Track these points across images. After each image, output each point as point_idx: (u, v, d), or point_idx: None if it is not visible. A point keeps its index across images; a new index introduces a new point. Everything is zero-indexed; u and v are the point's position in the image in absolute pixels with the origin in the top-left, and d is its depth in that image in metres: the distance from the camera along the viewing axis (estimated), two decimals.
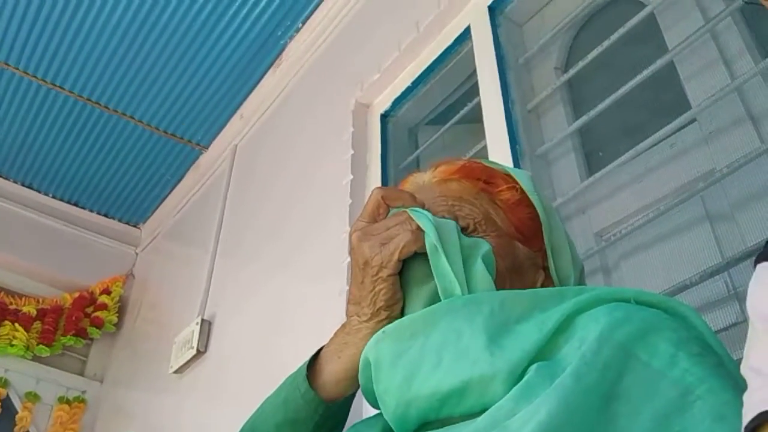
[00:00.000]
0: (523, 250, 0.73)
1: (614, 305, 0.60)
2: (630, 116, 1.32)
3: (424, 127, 1.97)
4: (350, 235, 0.71)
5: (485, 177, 0.76)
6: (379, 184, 1.79)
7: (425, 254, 0.68)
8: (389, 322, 0.68)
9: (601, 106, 1.27)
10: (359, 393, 0.73)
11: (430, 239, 0.67)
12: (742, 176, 1.03)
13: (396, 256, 0.67)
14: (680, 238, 1.10)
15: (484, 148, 1.49)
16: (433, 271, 0.67)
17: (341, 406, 0.75)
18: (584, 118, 1.31)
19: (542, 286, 0.73)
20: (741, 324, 0.94)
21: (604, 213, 1.26)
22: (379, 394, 0.66)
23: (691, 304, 0.98)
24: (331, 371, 0.73)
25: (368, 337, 0.69)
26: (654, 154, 1.19)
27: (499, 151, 1.43)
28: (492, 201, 0.75)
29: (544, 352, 0.59)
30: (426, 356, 0.62)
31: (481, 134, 1.52)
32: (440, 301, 0.66)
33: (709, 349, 0.57)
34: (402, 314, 0.69)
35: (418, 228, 0.68)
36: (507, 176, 0.78)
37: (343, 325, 0.73)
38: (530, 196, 0.75)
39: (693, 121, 1.15)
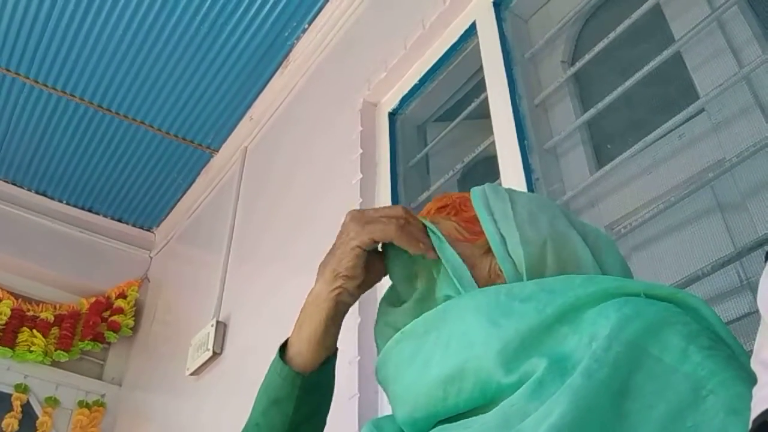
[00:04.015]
0: (467, 246, 0.76)
1: (624, 300, 0.60)
2: (638, 108, 1.32)
3: (432, 124, 1.97)
4: (346, 214, 0.77)
5: (439, 205, 0.84)
6: (388, 182, 1.80)
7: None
8: (340, 293, 0.75)
9: (608, 99, 1.27)
10: (376, 387, 0.75)
11: (431, 227, 0.75)
12: (753, 165, 1.03)
13: (371, 235, 0.73)
14: (691, 229, 1.10)
15: (492, 144, 1.49)
16: (440, 255, 0.73)
17: (319, 378, 0.78)
18: (592, 111, 1.31)
19: (499, 268, 0.75)
20: (753, 314, 0.94)
21: (614, 206, 1.25)
22: (396, 393, 0.69)
23: (703, 295, 0.98)
24: (296, 344, 0.77)
25: (323, 306, 0.75)
26: (663, 146, 1.19)
27: (507, 146, 1.43)
28: (446, 218, 0.80)
29: (543, 337, 0.60)
30: (438, 347, 0.66)
31: (489, 130, 1.52)
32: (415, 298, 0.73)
33: (720, 341, 0.57)
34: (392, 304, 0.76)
35: (405, 225, 0.73)
36: (461, 195, 0.84)
37: (308, 295, 0.78)
38: (471, 196, 0.80)
39: (701, 111, 1.14)
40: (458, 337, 0.64)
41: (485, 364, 0.60)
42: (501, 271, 0.75)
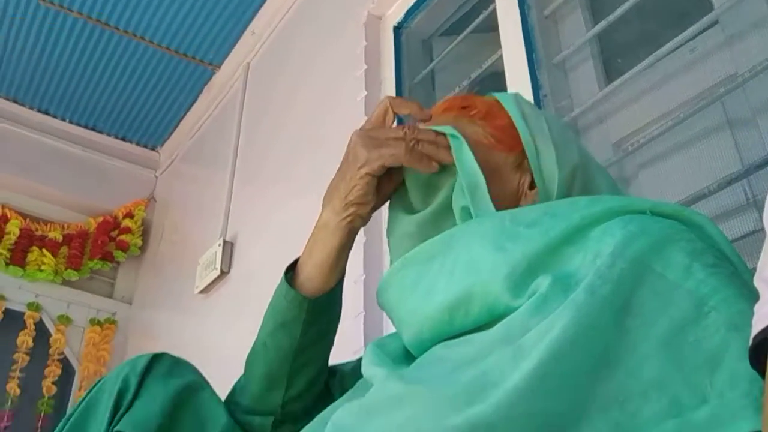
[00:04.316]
0: (502, 156, 0.75)
1: (629, 217, 0.59)
2: (650, 20, 1.28)
3: (438, 39, 1.92)
4: (352, 134, 0.75)
5: (464, 104, 0.80)
6: None
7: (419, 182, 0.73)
8: (352, 220, 0.74)
9: (620, 11, 1.23)
10: (379, 312, 0.76)
11: (451, 131, 0.73)
12: (765, 80, 1.00)
13: (381, 161, 0.71)
14: (699, 146, 1.08)
15: (500, 58, 1.46)
16: (456, 164, 0.71)
17: (328, 300, 0.79)
18: (603, 24, 1.27)
19: (529, 186, 0.75)
20: (759, 232, 0.93)
21: (622, 122, 1.23)
22: (401, 317, 0.69)
23: (709, 212, 0.98)
24: (306, 269, 0.77)
25: (335, 234, 0.75)
26: (674, 60, 1.16)
27: (515, 60, 1.39)
28: (471, 121, 0.77)
29: (549, 259, 0.59)
30: (442, 274, 0.65)
31: (496, 43, 1.48)
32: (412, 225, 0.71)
33: (724, 259, 0.57)
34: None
35: (414, 147, 0.71)
36: (486, 98, 0.80)
37: (317, 220, 0.78)
38: (504, 104, 0.77)
39: (715, 23, 1.11)
40: (464, 264, 0.63)
41: (492, 288, 0.60)
42: (530, 190, 0.74)
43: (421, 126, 0.75)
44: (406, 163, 0.71)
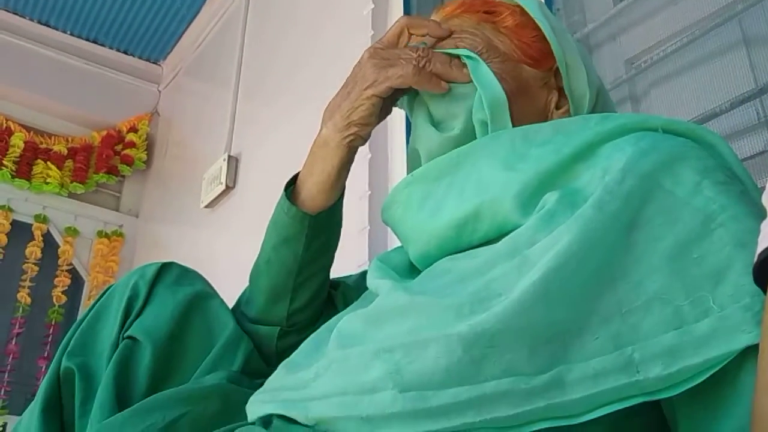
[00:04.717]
0: (530, 72, 0.73)
1: (641, 134, 0.59)
2: None
3: None
4: (364, 51, 0.73)
5: (486, 8, 0.76)
6: (401, 13, 1.73)
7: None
8: (354, 139, 0.74)
9: None
10: (384, 227, 0.76)
11: (467, 53, 0.70)
12: None
13: (389, 82, 0.70)
14: (713, 65, 1.06)
15: None
16: (475, 82, 0.69)
17: (329, 216, 0.79)
18: None
19: (557, 105, 0.73)
20: None
21: (636, 39, 1.21)
22: (406, 234, 0.69)
23: (721, 132, 0.97)
24: (307, 187, 0.77)
25: (335, 153, 0.74)
26: None
27: None
28: (495, 29, 0.74)
29: (560, 176, 0.59)
30: (450, 193, 0.65)
31: None
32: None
33: (734, 177, 0.57)
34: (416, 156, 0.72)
35: (425, 66, 0.69)
36: (510, 4, 0.76)
37: (316, 138, 0.77)
38: (534, 17, 0.74)
39: None
40: (474, 183, 0.63)
41: (502, 206, 0.60)
42: (557, 109, 0.72)
43: (437, 49, 0.72)
44: (414, 84, 0.69)
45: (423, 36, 0.75)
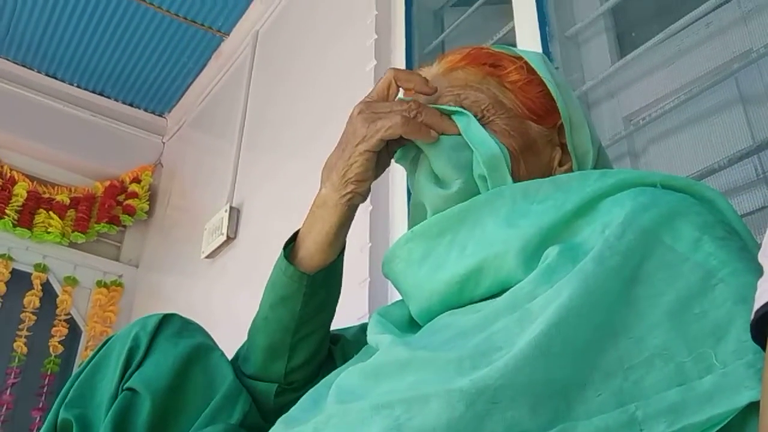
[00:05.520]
0: (536, 129, 0.73)
1: (640, 189, 0.59)
2: None
3: (449, 9, 1.90)
4: (354, 107, 0.73)
5: (491, 61, 0.75)
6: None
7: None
8: (353, 197, 0.73)
9: None
10: (384, 279, 0.76)
11: (455, 109, 0.70)
12: None
13: (379, 135, 0.70)
14: (711, 122, 1.08)
15: (512, 30, 1.44)
16: (467, 139, 0.68)
17: (328, 274, 0.78)
18: None
19: (560, 162, 0.73)
20: None
21: (634, 96, 1.23)
22: (407, 290, 0.69)
23: (720, 188, 0.98)
24: (305, 246, 0.77)
25: (334, 212, 0.74)
26: (689, 35, 1.15)
27: (527, 33, 1.38)
28: (500, 84, 0.74)
29: (562, 232, 0.60)
30: (452, 251, 0.65)
31: (509, 16, 1.47)
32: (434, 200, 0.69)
33: (734, 233, 0.57)
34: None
35: (414, 117, 0.69)
36: (515, 58, 0.76)
37: (315, 197, 0.76)
38: (540, 73, 0.74)
39: None
40: (476, 240, 0.63)
41: (505, 262, 0.60)
42: (559, 166, 0.72)
43: (426, 103, 0.72)
44: (404, 134, 0.69)
45: (410, 89, 0.74)
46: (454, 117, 0.71)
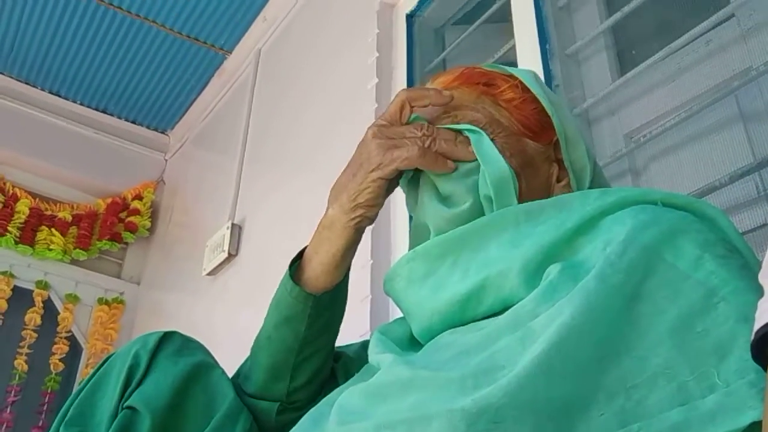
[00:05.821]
0: (532, 146, 0.73)
1: (641, 207, 0.59)
2: (665, 13, 1.27)
3: (451, 28, 1.92)
4: (367, 129, 0.72)
5: (485, 80, 0.76)
6: (404, 87, 1.77)
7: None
8: (361, 221, 0.73)
9: (635, 2, 1.22)
10: (385, 296, 0.75)
11: (469, 127, 0.70)
12: None
13: (395, 165, 0.69)
14: (712, 139, 1.08)
15: (513, 48, 1.45)
16: (478, 157, 0.68)
17: (333, 295, 0.78)
18: (617, 15, 1.26)
19: (558, 178, 0.73)
20: None
21: (634, 114, 1.23)
22: (408, 309, 0.69)
23: (721, 205, 0.98)
24: (312, 267, 0.76)
25: (341, 234, 0.73)
26: (689, 53, 1.15)
27: (528, 51, 1.39)
28: (495, 103, 0.74)
29: (563, 251, 0.60)
30: (455, 272, 0.64)
31: (509, 34, 1.48)
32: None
33: (735, 251, 0.57)
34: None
35: (430, 146, 0.68)
36: (508, 77, 0.76)
37: (322, 218, 0.76)
38: (533, 91, 0.74)
39: (731, 17, 1.10)
40: (480, 262, 0.63)
41: (507, 280, 0.60)
42: (557, 182, 0.72)
43: (440, 125, 0.72)
44: (420, 165, 0.69)
45: (425, 107, 0.73)
46: (467, 133, 0.71)
